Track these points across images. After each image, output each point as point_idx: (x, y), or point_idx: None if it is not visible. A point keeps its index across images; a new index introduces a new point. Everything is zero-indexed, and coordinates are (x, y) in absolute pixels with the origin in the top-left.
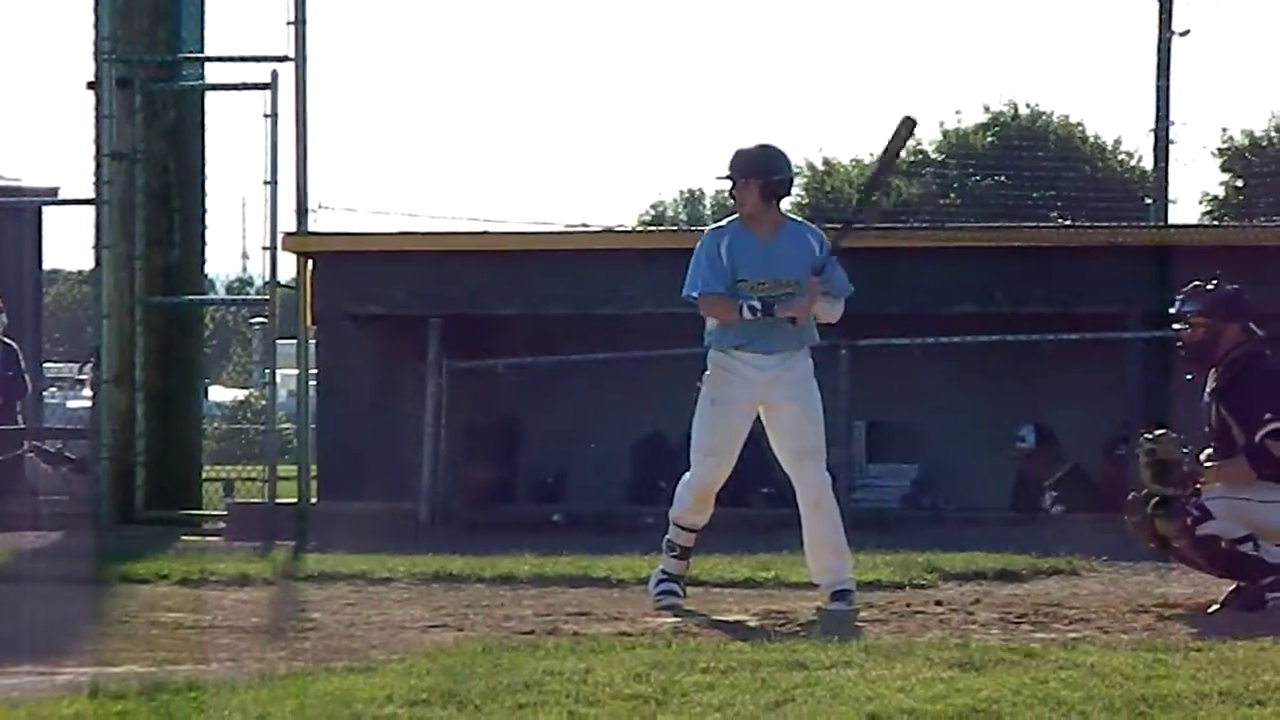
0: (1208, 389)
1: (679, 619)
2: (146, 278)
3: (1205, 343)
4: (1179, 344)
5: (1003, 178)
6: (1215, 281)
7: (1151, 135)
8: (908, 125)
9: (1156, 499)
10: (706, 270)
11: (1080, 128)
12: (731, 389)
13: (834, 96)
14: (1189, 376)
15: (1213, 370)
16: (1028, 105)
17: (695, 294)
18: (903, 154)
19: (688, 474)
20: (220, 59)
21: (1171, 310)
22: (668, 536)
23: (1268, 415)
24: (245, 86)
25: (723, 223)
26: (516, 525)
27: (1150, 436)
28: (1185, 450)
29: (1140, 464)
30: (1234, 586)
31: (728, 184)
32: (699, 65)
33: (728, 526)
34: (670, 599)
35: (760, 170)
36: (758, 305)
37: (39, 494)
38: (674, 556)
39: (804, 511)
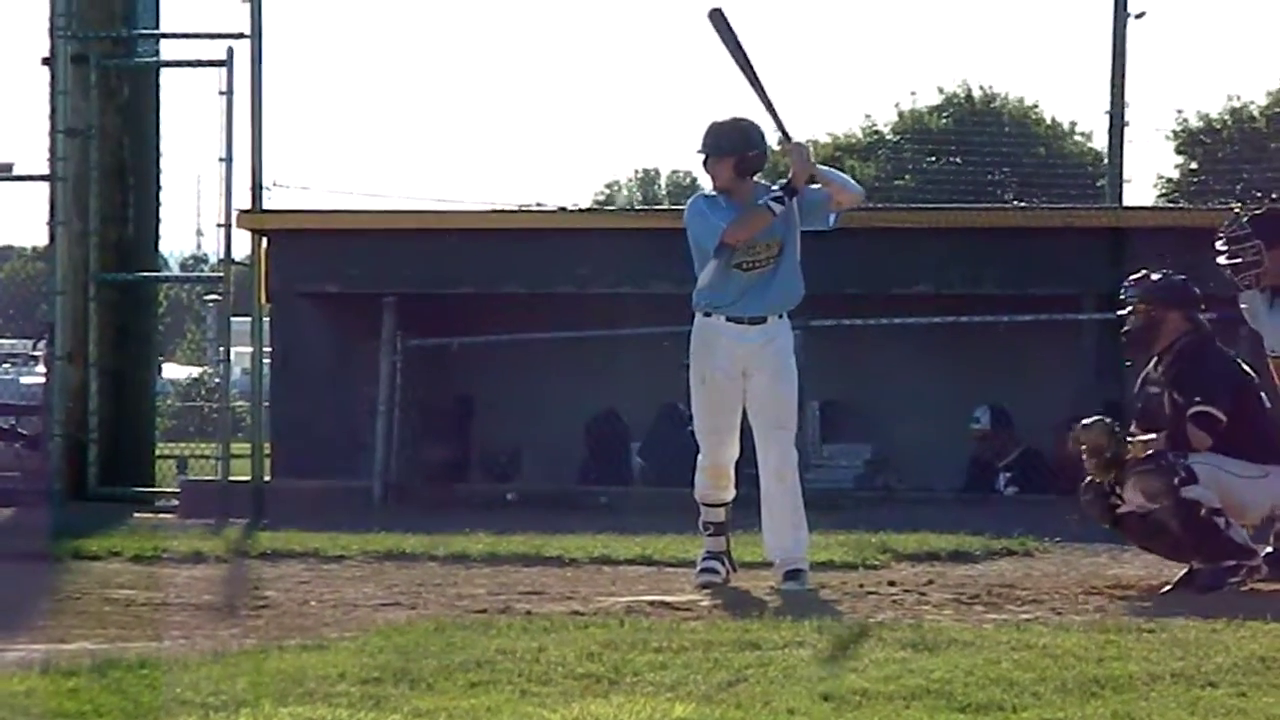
0: (1152, 377)
1: (710, 592)
2: (101, 254)
3: (1145, 329)
4: (1123, 330)
5: (958, 159)
6: (1164, 271)
7: (1106, 117)
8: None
9: (1143, 459)
10: (715, 217)
11: (1036, 109)
12: (715, 361)
13: (787, 78)
14: (1128, 364)
15: (1156, 359)
16: (981, 87)
17: (718, 238)
18: (743, 48)
19: (700, 455)
20: (176, 35)
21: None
22: (700, 518)
23: (1197, 398)
24: (201, 63)
25: (703, 192)
26: (470, 504)
27: (1082, 425)
28: (1116, 432)
29: (1082, 456)
30: (1186, 570)
31: (701, 158)
32: (653, 46)
33: (680, 506)
34: (708, 576)
35: (734, 146)
36: (779, 193)
37: None
38: (710, 535)
39: (766, 483)
